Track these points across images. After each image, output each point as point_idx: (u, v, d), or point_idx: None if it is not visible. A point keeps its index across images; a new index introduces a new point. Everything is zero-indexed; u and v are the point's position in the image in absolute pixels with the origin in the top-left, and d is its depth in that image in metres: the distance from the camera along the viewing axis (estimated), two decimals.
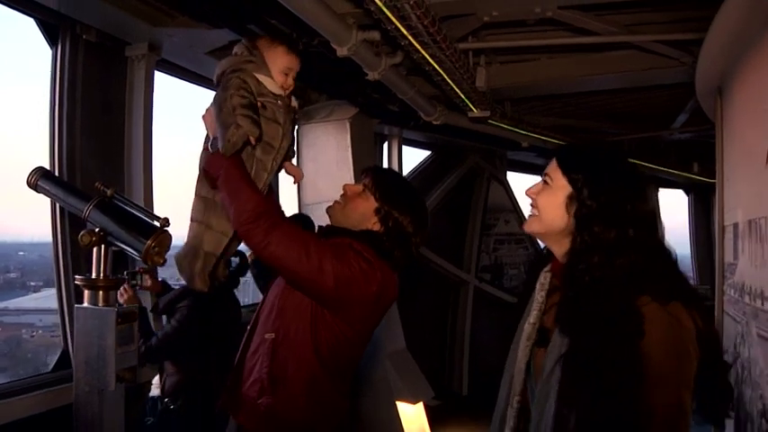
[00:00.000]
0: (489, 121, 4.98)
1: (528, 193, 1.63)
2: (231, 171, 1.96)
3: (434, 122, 5.01)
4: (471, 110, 4.55)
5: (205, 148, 2.12)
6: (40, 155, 3.49)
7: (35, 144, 3.55)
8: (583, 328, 1.43)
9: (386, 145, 6.83)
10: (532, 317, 1.61)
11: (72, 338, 3.27)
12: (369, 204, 2.11)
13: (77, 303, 2.64)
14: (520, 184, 9.68)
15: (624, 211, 1.48)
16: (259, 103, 2.05)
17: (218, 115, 1.99)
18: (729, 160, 3.41)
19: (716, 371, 1.48)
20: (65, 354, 3.48)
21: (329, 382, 2.05)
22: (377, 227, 2.10)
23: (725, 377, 1.51)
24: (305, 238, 1.94)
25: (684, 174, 8.54)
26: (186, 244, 2.15)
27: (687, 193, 10.83)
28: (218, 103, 2.03)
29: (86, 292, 2.51)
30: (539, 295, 1.63)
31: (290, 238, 1.91)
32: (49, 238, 3.54)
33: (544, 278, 1.65)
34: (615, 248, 1.45)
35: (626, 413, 1.37)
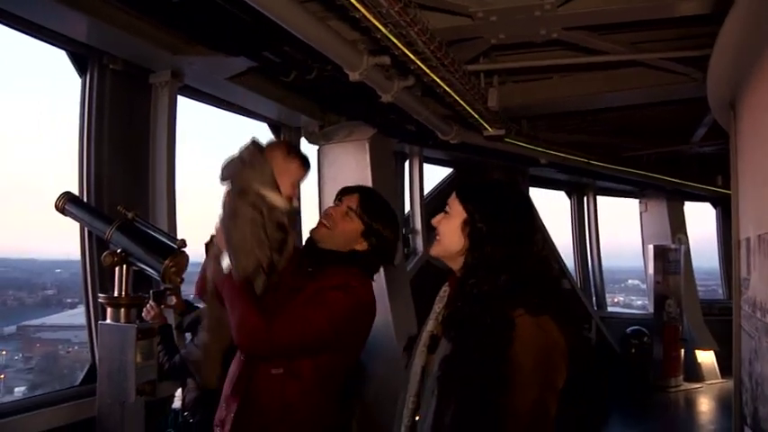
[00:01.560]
0: (506, 139, 5.04)
1: (433, 222, 1.85)
2: (233, 290, 2.05)
3: (451, 141, 5.09)
4: (486, 129, 4.62)
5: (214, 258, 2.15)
6: (72, 178, 3.66)
7: (67, 167, 3.70)
8: (462, 334, 1.63)
9: (407, 163, 6.91)
10: (429, 325, 1.83)
11: (97, 355, 3.41)
12: (355, 226, 2.20)
13: (102, 320, 2.77)
14: (542, 199, 9.69)
15: (511, 232, 1.70)
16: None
17: (230, 240, 2.03)
18: (743, 174, 3.42)
19: (587, 385, 1.67)
20: (92, 368, 3.62)
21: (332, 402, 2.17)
22: (363, 246, 2.21)
23: (597, 392, 1.67)
24: (297, 314, 2.04)
25: (708, 187, 8.46)
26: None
27: (714, 206, 10.69)
28: (228, 228, 2.05)
29: (109, 310, 2.64)
30: (436, 306, 1.85)
31: (289, 323, 2.02)
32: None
33: (443, 291, 1.87)
34: (501, 265, 1.66)
35: (491, 412, 1.54)
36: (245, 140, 2.17)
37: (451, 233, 1.77)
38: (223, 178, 2.10)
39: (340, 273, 2.15)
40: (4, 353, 4.84)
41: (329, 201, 2.36)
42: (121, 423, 2.55)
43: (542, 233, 1.83)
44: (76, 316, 5.24)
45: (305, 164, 2.21)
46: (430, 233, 7.15)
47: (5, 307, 5.25)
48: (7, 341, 5.06)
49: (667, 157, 7.61)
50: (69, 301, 5.57)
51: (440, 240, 1.82)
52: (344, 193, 2.28)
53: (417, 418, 1.75)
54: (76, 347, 5.06)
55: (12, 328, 5.12)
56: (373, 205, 2.24)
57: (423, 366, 1.79)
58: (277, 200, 2.08)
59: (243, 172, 2.08)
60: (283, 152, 2.18)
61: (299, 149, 2.26)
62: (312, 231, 2.24)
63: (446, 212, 1.82)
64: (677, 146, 6.82)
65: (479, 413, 1.56)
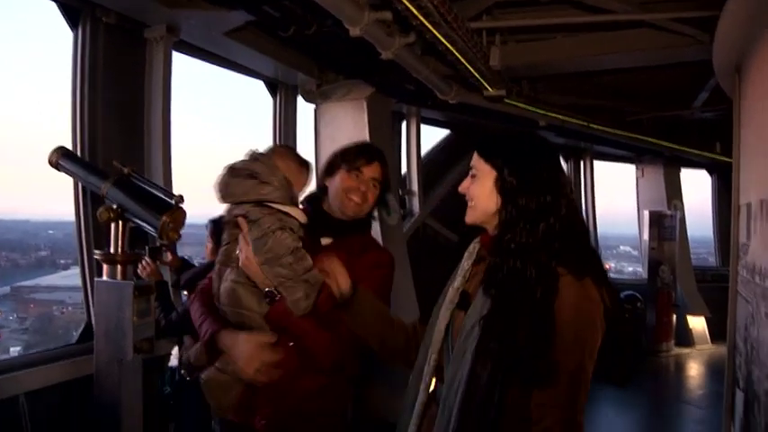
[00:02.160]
0: (505, 100, 4.98)
1: (461, 189, 1.78)
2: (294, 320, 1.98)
3: (450, 101, 5.03)
4: (486, 89, 4.56)
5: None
6: (65, 136, 3.59)
7: (59, 126, 3.64)
8: (504, 290, 1.58)
9: (404, 124, 6.83)
10: (457, 282, 1.77)
11: (93, 312, 3.40)
12: (376, 195, 2.19)
13: (98, 277, 2.75)
14: None
15: (541, 180, 1.66)
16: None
17: (280, 277, 1.92)
18: (746, 139, 3.39)
19: (617, 343, 1.68)
20: (88, 326, 3.61)
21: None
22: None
23: (626, 348, 1.66)
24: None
25: (706, 153, 8.43)
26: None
27: (710, 173, 10.69)
28: (267, 258, 1.92)
29: (105, 267, 2.61)
30: (465, 263, 1.79)
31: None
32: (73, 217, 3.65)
33: (473, 248, 1.81)
34: (536, 215, 1.62)
35: (532, 372, 1.52)
36: (244, 155, 2.04)
37: (486, 195, 1.71)
38: (229, 196, 1.98)
39: (365, 243, 2.16)
40: None
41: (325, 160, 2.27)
42: (119, 380, 2.55)
43: (570, 182, 1.77)
44: (70, 277, 5.24)
45: (311, 173, 2.13)
46: (426, 194, 7.17)
47: None
48: (1, 302, 5.08)
49: (667, 122, 7.56)
50: (63, 262, 5.58)
51: (474, 206, 1.74)
52: (360, 159, 2.16)
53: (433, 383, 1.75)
54: (71, 308, 5.08)
55: (6, 289, 5.16)
56: (389, 171, 2.23)
57: (447, 324, 1.75)
58: (298, 214, 2.00)
59: (260, 189, 1.95)
60: (296, 162, 2.08)
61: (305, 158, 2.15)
62: (345, 208, 2.14)
63: (473, 176, 1.74)
64: (678, 110, 6.76)
65: (520, 373, 1.54)
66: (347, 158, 2.15)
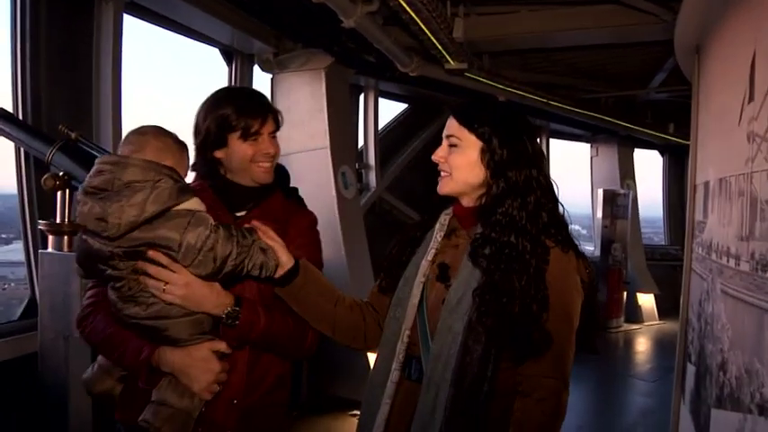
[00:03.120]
0: (466, 74, 4.94)
1: (436, 158, 1.70)
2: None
3: (411, 74, 4.98)
4: (448, 62, 4.51)
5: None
6: (4, 100, 3.37)
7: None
8: (498, 264, 1.56)
9: (362, 96, 6.73)
10: (429, 255, 1.72)
11: (38, 286, 3.23)
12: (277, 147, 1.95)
13: (42, 249, 2.60)
14: None
15: (528, 154, 1.65)
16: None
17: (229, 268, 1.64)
18: (704, 119, 3.42)
19: (589, 312, 1.70)
20: (31, 302, 3.44)
21: None
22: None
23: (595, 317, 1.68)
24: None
25: (660, 134, 8.61)
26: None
27: (662, 153, 10.92)
28: (220, 264, 1.63)
29: (51, 238, 2.48)
30: (437, 234, 1.74)
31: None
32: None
33: (444, 220, 1.76)
34: (526, 189, 1.62)
35: (529, 342, 1.54)
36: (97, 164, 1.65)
37: (468, 166, 1.65)
38: (125, 226, 1.55)
39: (284, 205, 1.97)
40: None
41: (282, 132, 2.04)
42: (66, 358, 2.42)
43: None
44: (13, 252, 5.05)
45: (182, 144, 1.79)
46: (383, 169, 7.11)
47: None
48: None
49: (623, 102, 7.66)
50: (4, 236, 5.38)
51: (451, 175, 1.68)
52: (254, 122, 1.84)
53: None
54: (13, 284, 4.90)
55: None
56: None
57: (420, 299, 1.70)
58: (198, 204, 1.67)
59: (157, 198, 1.57)
60: (174, 140, 1.74)
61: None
62: (258, 178, 1.88)
63: (453, 145, 1.68)
64: (635, 90, 6.84)
65: (515, 345, 1.56)
66: (237, 125, 1.83)
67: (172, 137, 1.72)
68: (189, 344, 1.67)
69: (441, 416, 1.55)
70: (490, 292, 1.55)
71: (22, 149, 3.30)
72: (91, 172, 1.60)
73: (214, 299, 1.67)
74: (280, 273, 1.68)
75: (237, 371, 1.78)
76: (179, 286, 1.62)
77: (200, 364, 1.67)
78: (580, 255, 1.66)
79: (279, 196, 1.98)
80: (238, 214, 1.88)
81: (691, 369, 3.34)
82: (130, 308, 1.64)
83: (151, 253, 1.60)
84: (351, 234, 5.24)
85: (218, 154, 1.85)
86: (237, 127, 1.82)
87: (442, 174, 1.70)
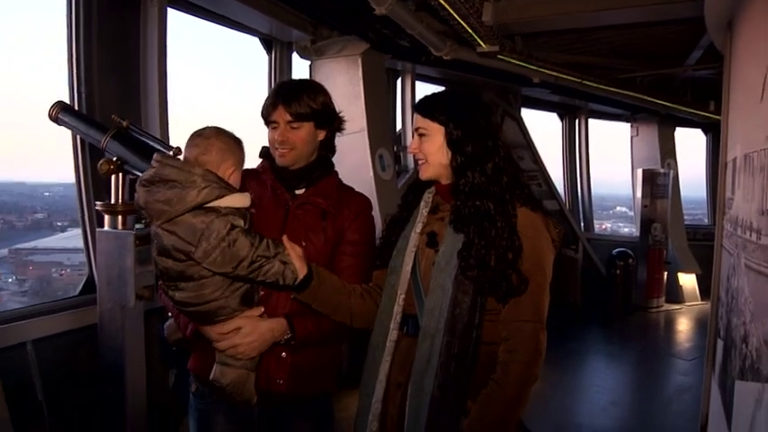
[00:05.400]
0: (499, 56, 5.00)
1: (411, 150, 1.97)
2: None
3: (444, 57, 5.06)
4: (480, 45, 4.58)
5: None
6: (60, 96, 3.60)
7: (55, 88, 3.65)
8: (471, 225, 1.82)
9: (399, 80, 6.85)
10: (418, 227, 1.98)
11: (95, 263, 3.49)
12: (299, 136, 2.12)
13: (99, 228, 2.83)
14: (534, 120, 9.68)
15: (480, 128, 1.90)
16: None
17: (243, 273, 1.82)
18: (735, 95, 3.43)
19: (564, 269, 1.93)
20: (89, 279, 3.71)
21: None
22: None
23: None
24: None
25: (700, 112, 8.45)
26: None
27: (705, 132, 10.70)
28: (233, 266, 1.80)
29: (107, 217, 2.69)
30: (423, 210, 2.00)
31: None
32: (71, 178, 3.70)
33: (428, 197, 2.02)
34: (483, 158, 1.87)
35: (507, 284, 1.78)
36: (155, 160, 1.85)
37: (438, 150, 1.91)
38: (161, 216, 1.77)
39: (336, 185, 2.17)
40: None
41: None
42: (122, 326, 2.65)
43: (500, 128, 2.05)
44: (68, 239, 5.29)
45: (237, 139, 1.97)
46: None
47: None
48: (0, 264, 5.11)
49: (661, 80, 7.57)
50: (60, 224, 5.61)
51: (427, 161, 1.94)
52: (267, 110, 2.07)
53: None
54: (69, 270, 5.13)
55: (3, 252, 5.15)
56: (312, 99, 2.11)
57: (412, 265, 1.94)
58: (236, 200, 1.84)
59: (186, 196, 1.75)
60: (231, 138, 1.93)
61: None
62: (280, 162, 2.08)
63: (422, 135, 1.93)
64: (672, 68, 6.77)
65: (496, 288, 1.79)
66: (263, 114, 2.09)
67: (231, 137, 1.92)
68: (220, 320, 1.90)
69: (436, 361, 1.79)
70: (469, 250, 1.80)
71: (78, 139, 3.56)
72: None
73: (276, 330, 1.94)
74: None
75: None
76: (248, 339, 1.90)
77: (235, 335, 1.90)
78: (548, 214, 1.93)
79: (333, 179, 2.19)
80: (297, 192, 2.10)
81: (720, 344, 3.39)
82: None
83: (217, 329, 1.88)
84: (388, 214, 5.36)
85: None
86: (263, 113, 2.08)
87: (420, 162, 1.96)
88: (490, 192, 1.84)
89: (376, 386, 1.92)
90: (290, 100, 2.02)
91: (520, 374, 1.75)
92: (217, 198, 1.77)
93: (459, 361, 1.78)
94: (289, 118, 2.02)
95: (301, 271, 1.88)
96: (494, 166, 1.87)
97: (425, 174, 1.96)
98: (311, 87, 2.10)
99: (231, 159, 1.88)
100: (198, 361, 2.07)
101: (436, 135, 1.91)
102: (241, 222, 1.80)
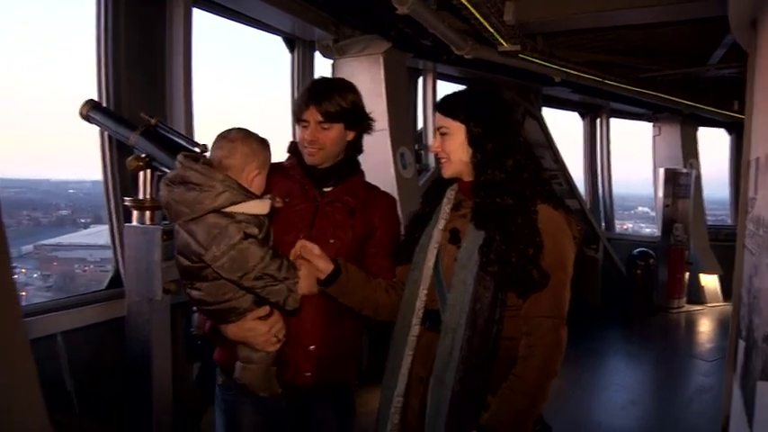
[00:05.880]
0: (520, 55, 5.02)
1: (434, 148, 2.00)
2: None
3: (466, 56, 5.08)
4: (501, 44, 4.60)
5: None
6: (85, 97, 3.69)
7: (80, 87, 3.73)
8: (492, 221, 1.85)
9: (420, 79, 6.87)
10: (440, 224, 2.00)
11: (122, 258, 3.57)
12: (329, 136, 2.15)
13: (127, 223, 2.90)
14: (555, 119, 9.64)
15: (501, 125, 1.93)
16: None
17: (248, 284, 1.85)
18: (758, 95, 3.41)
19: (585, 268, 1.96)
20: (116, 274, 3.79)
21: None
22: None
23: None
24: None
25: (723, 111, 8.38)
26: None
27: (729, 132, 10.57)
28: (239, 275, 1.82)
29: (135, 213, 2.76)
30: (446, 207, 2.03)
31: None
32: (95, 176, 3.77)
33: (450, 195, 2.05)
34: (503, 155, 1.90)
35: (528, 280, 1.81)
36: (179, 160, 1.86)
37: (458, 148, 1.95)
38: (180, 215, 1.81)
39: (364, 184, 2.22)
40: (23, 271, 4.99)
41: None
42: (149, 319, 2.71)
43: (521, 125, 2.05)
44: (91, 235, 5.39)
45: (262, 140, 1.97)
46: None
47: (22, 227, 5.32)
48: (25, 260, 5.19)
49: (683, 79, 7.51)
50: (83, 221, 5.70)
51: (449, 159, 1.97)
52: (299, 109, 2.10)
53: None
54: (92, 266, 5.23)
55: (29, 248, 5.23)
56: (342, 98, 2.14)
57: (435, 261, 1.97)
58: (254, 206, 1.84)
59: (204, 199, 1.77)
60: (257, 141, 1.93)
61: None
62: (308, 161, 2.12)
63: (444, 134, 1.96)
64: (694, 67, 6.72)
65: (517, 284, 1.82)
66: (294, 110, 2.15)
67: (256, 139, 1.92)
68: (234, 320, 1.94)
69: (457, 355, 1.83)
70: (489, 245, 1.83)
71: (106, 136, 3.65)
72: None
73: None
74: (321, 276, 1.96)
75: (311, 323, 2.06)
76: (262, 338, 1.93)
77: (249, 333, 1.94)
78: (569, 211, 1.96)
79: (360, 178, 2.23)
80: (325, 189, 2.15)
81: (741, 345, 3.38)
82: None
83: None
84: (411, 212, 5.40)
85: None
86: (294, 111, 2.13)
87: (442, 160, 1.99)
88: (510, 188, 1.87)
89: (398, 380, 1.96)
90: (321, 99, 2.05)
91: (540, 369, 1.79)
92: (233, 204, 1.78)
93: (480, 355, 1.82)
94: (320, 118, 2.05)
95: (328, 268, 1.94)
96: (514, 162, 1.89)
97: (447, 171, 1.99)
98: (342, 86, 2.13)
99: (255, 163, 1.89)
100: (224, 353, 2.11)
101: (457, 133, 1.94)
102: (255, 231, 1.81)
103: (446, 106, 1.98)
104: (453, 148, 1.95)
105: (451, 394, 1.82)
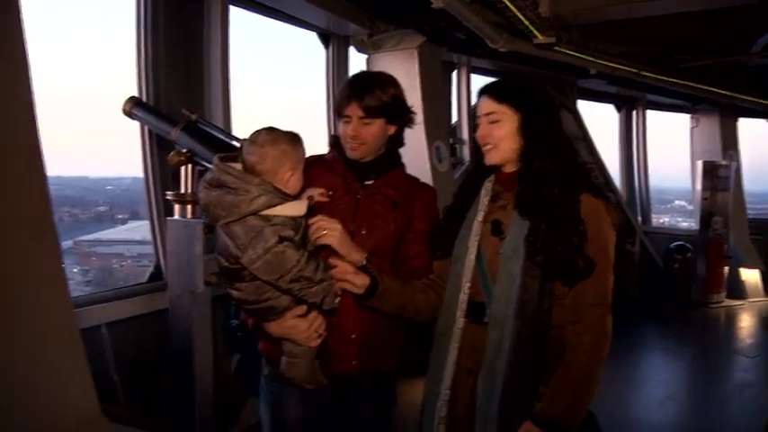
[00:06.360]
0: (555, 47, 4.98)
1: (482, 135, 1.97)
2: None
3: (500, 50, 5.06)
4: (536, 36, 4.57)
5: None
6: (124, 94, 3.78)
7: (118, 84, 3.81)
8: (536, 210, 1.86)
9: (455, 73, 6.86)
10: (480, 216, 2.00)
11: (163, 252, 3.66)
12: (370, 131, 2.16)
13: (168, 217, 2.96)
14: (590, 112, 9.53)
15: (549, 116, 1.97)
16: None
17: (285, 286, 1.86)
18: None
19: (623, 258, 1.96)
20: (157, 267, 3.88)
21: None
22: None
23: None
24: None
25: (765, 101, 8.17)
26: None
27: None
28: (275, 277, 1.83)
29: (176, 207, 2.81)
30: (484, 199, 2.03)
31: None
32: (132, 172, 3.87)
33: (488, 186, 2.04)
34: (551, 145, 1.92)
35: (574, 268, 1.83)
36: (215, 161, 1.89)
37: (510, 136, 1.93)
38: (219, 218, 1.84)
39: (405, 177, 2.24)
40: (63, 266, 5.12)
41: None
42: (191, 311, 2.77)
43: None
44: (128, 231, 5.51)
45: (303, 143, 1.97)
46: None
47: (61, 223, 5.46)
48: (65, 255, 5.32)
49: (723, 69, 7.35)
50: (121, 216, 5.83)
51: (497, 147, 1.95)
52: (341, 104, 2.11)
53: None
54: (129, 261, 5.34)
55: (68, 243, 5.34)
56: (384, 92, 2.14)
57: (477, 254, 1.97)
58: (290, 208, 1.85)
59: (240, 203, 1.79)
60: (287, 141, 1.91)
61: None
62: (351, 155, 2.13)
63: (494, 121, 1.94)
64: (735, 56, 6.57)
65: (563, 273, 1.84)
66: (335, 107, 2.17)
67: (285, 139, 1.90)
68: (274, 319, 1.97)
69: (507, 347, 1.84)
70: (536, 235, 1.84)
71: (146, 133, 3.73)
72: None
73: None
74: (359, 292, 1.96)
75: (351, 313, 2.08)
76: (304, 335, 1.95)
77: (290, 330, 1.96)
78: (608, 200, 1.95)
79: (401, 171, 2.25)
80: (366, 182, 2.17)
81: None
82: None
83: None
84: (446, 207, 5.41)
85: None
86: (335, 105, 2.16)
87: (487, 147, 1.97)
88: (557, 178, 1.88)
89: (444, 373, 1.97)
90: (363, 94, 2.06)
91: (589, 356, 1.82)
92: (269, 207, 1.80)
93: (529, 345, 1.83)
94: (361, 114, 2.06)
95: (363, 284, 1.94)
96: (560, 152, 1.92)
97: (492, 159, 1.97)
98: (383, 80, 2.14)
99: (288, 164, 1.88)
100: (269, 344, 2.14)
101: (509, 120, 1.92)
102: (291, 233, 1.82)
103: (499, 92, 1.97)
104: (502, 136, 1.93)
105: (503, 383, 1.84)
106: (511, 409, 1.83)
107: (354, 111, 2.06)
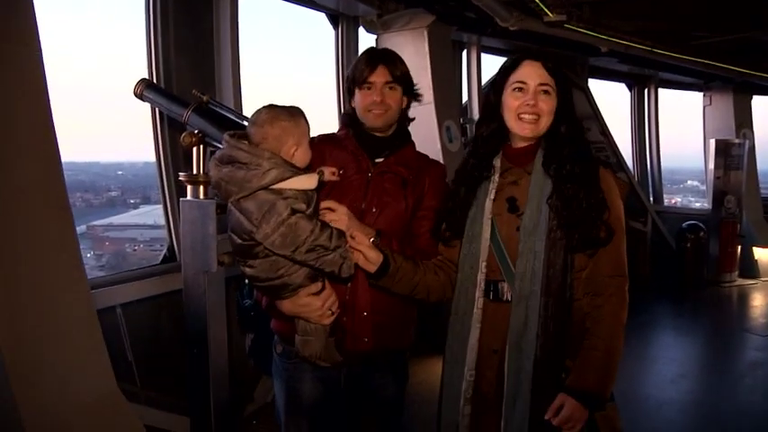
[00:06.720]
0: (566, 25, 4.93)
1: (532, 106, 1.92)
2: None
3: (511, 28, 5.01)
4: (547, 14, 4.53)
5: None
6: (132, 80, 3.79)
7: (126, 76, 3.82)
8: (565, 172, 1.89)
9: (465, 53, 6.82)
10: (492, 194, 1.98)
11: (176, 234, 3.69)
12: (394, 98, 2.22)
13: (181, 197, 2.98)
14: (602, 91, 9.46)
15: (570, 94, 2.00)
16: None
17: (301, 257, 1.86)
18: None
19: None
20: (170, 250, 3.92)
21: None
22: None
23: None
24: None
25: None
26: None
27: None
28: (292, 249, 1.84)
29: (189, 188, 2.82)
30: (495, 176, 2.00)
31: None
32: (143, 158, 3.90)
33: (498, 163, 2.02)
34: (573, 119, 1.97)
35: (595, 234, 1.86)
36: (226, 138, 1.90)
37: (553, 110, 1.93)
38: (232, 194, 1.85)
39: (416, 154, 2.26)
40: (79, 249, 5.19)
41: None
42: (205, 291, 2.78)
43: None
44: (140, 215, 5.56)
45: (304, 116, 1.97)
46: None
47: (74, 208, 5.55)
48: (79, 240, 5.42)
49: (738, 45, 7.23)
50: (132, 201, 5.89)
51: (541, 119, 1.93)
52: (364, 71, 2.15)
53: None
54: (142, 246, 5.40)
55: (82, 228, 5.44)
56: (403, 66, 2.22)
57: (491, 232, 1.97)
58: (301, 182, 1.86)
59: (252, 178, 1.80)
60: (287, 117, 1.91)
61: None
62: (372, 123, 2.17)
63: (547, 92, 1.92)
64: (751, 32, 6.46)
65: (585, 239, 1.86)
66: (355, 76, 2.17)
67: (285, 116, 1.89)
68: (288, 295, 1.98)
69: (534, 323, 1.85)
70: (561, 200, 1.87)
71: (158, 116, 3.75)
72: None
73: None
74: (372, 269, 1.95)
75: (362, 290, 2.11)
76: (316, 313, 1.98)
77: (303, 309, 1.99)
78: (613, 171, 2.03)
79: (412, 148, 2.28)
80: (377, 160, 2.19)
81: None
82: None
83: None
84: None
85: (352, 104, 2.21)
86: (355, 78, 2.16)
87: (528, 118, 1.93)
88: (582, 147, 1.95)
89: (467, 353, 1.96)
90: (389, 61, 2.14)
91: (611, 325, 1.87)
92: (281, 180, 1.81)
93: (557, 320, 1.86)
94: (388, 78, 2.13)
95: (376, 260, 1.94)
96: (579, 127, 1.99)
97: (535, 131, 1.94)
98: (397, 55, 2.21)
99: (290, 140, 1.89)
100: (282, 323, 2.17)
101: (555, 96, 1.93)
102: (303, 206, 1.83)
103: (554, 64, 1.96)
104: (550, 109, 1.93)
105: (534, 361, 1.85)
106: (543, 386, 1.85)
107: (381, 76, 2.12)
